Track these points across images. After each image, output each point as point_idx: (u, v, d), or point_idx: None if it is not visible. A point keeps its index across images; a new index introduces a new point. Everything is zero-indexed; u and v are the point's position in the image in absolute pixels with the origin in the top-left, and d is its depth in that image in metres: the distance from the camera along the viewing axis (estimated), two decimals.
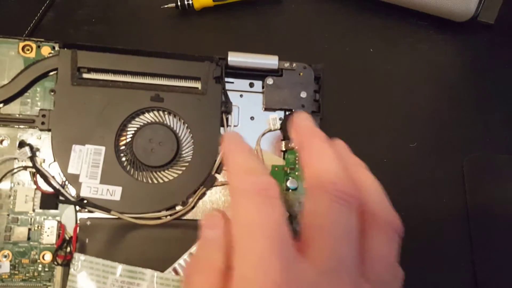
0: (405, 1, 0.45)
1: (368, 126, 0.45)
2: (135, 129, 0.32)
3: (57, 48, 0.32)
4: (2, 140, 0.31)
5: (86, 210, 0.31)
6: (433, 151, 0.44)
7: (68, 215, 0.31)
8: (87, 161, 0.30)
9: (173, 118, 0.32)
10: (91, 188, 0.30)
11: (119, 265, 0.30)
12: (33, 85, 0.32)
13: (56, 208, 0.31)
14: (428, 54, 0.47)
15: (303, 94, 0.34)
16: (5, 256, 0.30)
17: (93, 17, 0.44)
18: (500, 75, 0.47)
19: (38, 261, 0.30)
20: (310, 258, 0.20)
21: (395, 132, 0.45)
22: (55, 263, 0.30)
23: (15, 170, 0.31)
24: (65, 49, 0.32)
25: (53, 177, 0.31)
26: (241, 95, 0.34)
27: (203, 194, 0.32)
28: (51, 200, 0.31)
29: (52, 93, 0.31)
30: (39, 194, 0.31)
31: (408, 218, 0.42)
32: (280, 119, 0.34)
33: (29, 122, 0.31)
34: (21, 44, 0.32)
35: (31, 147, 0.31)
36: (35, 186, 0.31)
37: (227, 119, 0.33)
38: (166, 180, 0.31)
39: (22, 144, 0.31)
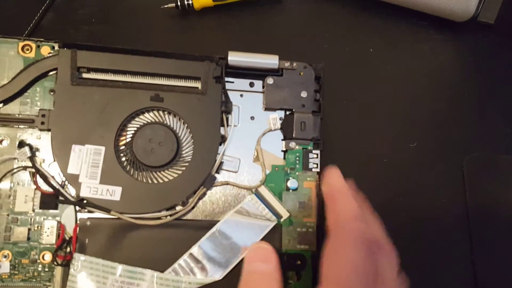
0: (405, 1, 0.45)
1: (368, 126, 0.44)
2: (135, 129, 0.31)
3: (56, 47, 0.32)
4: (2, 140, 0.30)
5: (86, 210, 0.30)
6: (433, 151, 0.44)
7: (68, 215, 0.30)
8: (86, 161, 0.30)
9: (173, 118, 0.32)
10: (91, 188, 0.30)
11: (119, 265, 0.29)
12: (32, 85, 0.31)
13: (56, 208, 0.30)
14: (428, 54, 0.46)
15: (304, 94, 0.34)
16: (5, 256, 0.29)
17: (93, 17, 0.44)
18: (500, 75, 0.47)
19: (38, 261, 0.30)
20: None
21: (395, 132, 0.44)
22: (55, 263, 0.29)
23: (15, 170, 0.30)
24: (65, 49, 0.31)
25: (52, 177, 0.30)
26: (241, 95, 0.34)
27: (203, 194, 0.31)
28: (51, 200, 0.30)
29: (52, 93, 0.31)
30: (39, 194, 0.30)
31: (408, 218, 0.43)
32: (280, 118, 0.34)
33: (28, 122, 0.30)
34: (21, 44, 0.31)
35: (31, 147, 0.30)
36: (34, 186, 0.30)
37: (227, 118, 0.33)
38: (166, 180, 0.31)
39: (21, 144, 0.30)
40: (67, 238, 0.30)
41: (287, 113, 0.34)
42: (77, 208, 0.30)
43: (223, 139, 0.32)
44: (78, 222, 0.30)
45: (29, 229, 0.30)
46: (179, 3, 0.43)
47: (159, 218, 0.30)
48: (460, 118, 0.45)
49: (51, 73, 0.31)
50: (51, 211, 0.30)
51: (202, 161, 0.31)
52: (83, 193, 0.30)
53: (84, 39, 0.43)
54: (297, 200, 0.32)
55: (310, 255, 0.32)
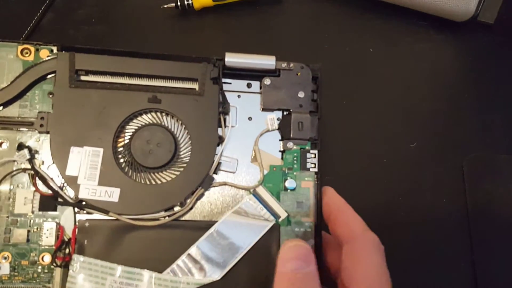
0: (405, 1, 0.44)
1: (368, 126, 0.44)
2: (133, 130, 0.31)
3: (55, 50, 0.31)
4: (1, 143, 0.30)
5: (85, 211, 0.30)
6: (433, 151, 0.43)
7: (67, 217, 0.30)
8: (85, 163, 0.29)
9: (171, 120, 0.31)
10: (89, 189, 0.29)
11: (118, 266, 0.29)
12: (31, 88, 0.31)
13: (55, 210, 0.30)
14: (428, 54, 0.46)
15: (301, 94, 0.33)
16: (5, 258, 0.29)
17: (93, 17, 0.43)
18: (500, 75, 0.46)
19: (38, 262, 0.29)
20: None
21: (395, 132, 0.44)
22: (54, 264, 0.29)
23: (14, 173, 0.30)
24: (63, 51, 0.31)
25: (51, 179, 0.30)
26: (238, 96, 0.33)
27: (201, 195, 0.31)
28: (50, 202, 0.30)
29: (51, 96, 0.31)
30: (38, 196, 0.30)
31: (408, 218, 0.42)
32: (278, 119, 0.33)
33: (28, 124, 0.30)
34: (20, 48, 0.31)
35: (30, 150, 0.30)
36: (34, 188, 0.30)
37: (225, 119, 0.32)
38: (164, 181, 0.30)
39: (21, 146, 0.30)
40: (66, 239, 0.29)
41: (285, 113, 0.33)
42: (76, 209, 0.30)
43: (220, 140, 0.31)
44: (77, 223, 0.29)
45: (28, 231, 0.29)
46: (179, 3, 0.43)
47: (157, 219, 0.30)
48: (460, 118, 0.45)
49: (49, 76, 0.31)
50: (50, 212, 0.30)
51: (200, 162, 0.31)
52: (82, 195, 0.29)
53: (84, 39, 0.43)
54: (295, 200, 0.32)
55: None
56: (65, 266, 0.29)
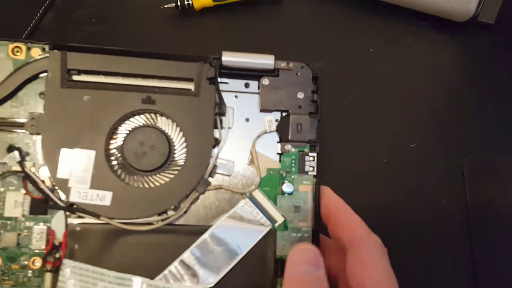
0: (405, 1, 0.44)
1: (368, 126, 0.43)
2: (126, 132, 0.29)
3: (47, 49, 0.29)
4: None
5: (76, 215, 0.28)
6: (433, 151, 0.43)
7: (58, 221, 0.28)
8: (76, 165, 0.28)
9: (165, 121, 0.30)
10: (80, 193, 0.28)
11: (109, 272, 0.27)
12: (23, 87, 0.29)
13: (46, 213, 0.28)
14: (428, 54, 0.45)
15: (300, 95, 0.31)
16: None
17: (93, 17, 0.43)
18: (499, 75, 0.45)
19: (28, 267, 0.28)
20: None
21: (395, 132, 0.43)
22: (44, 269, 0.27)
23: (4, 175, 0.28)
24: (55, 50, 0.29)
25: (42, 181, 0.28)
26: (236, 96, 0.31)
27: (196, 198, 0.29)
28: (40, 205, 0.28)
29: (42, 96, 0.29)
30: (28, 199, 0.28)
31: (408, 218, 0.41)
32: (276, 120, 0.31)
33: (18, 125, 0.28)
34: (11, 46, 0.29)
35: (21, 152, 0.28)
36: (24, 191, 0.28)
37: (221, 121, 0.30)
38: (157, 184, 0.29)
39: (11, 148, 0.28)
40: (57, 243, 0.28)
41: (283, 114, 0.31)
42: (68, 213, 0.28)
43: (216, 142, 0.30)
44: (68, 227, 0.28)
45: (18, 234, 0.28)
46: (179, 3, 0.42)
47: (150, 224, 0.28)
48: (460, 118, 0.44)
49: (41, 75, 0.29)
50: (41, 216, 0.28)
51: (195, 164, 0.29)
52: (73, 198, 0.28)
53: (84, 39, 0.42)
54: (292, 204, 0.30)
55: None
56: (56, 271, 0.27)
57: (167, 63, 0.30)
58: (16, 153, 0.28)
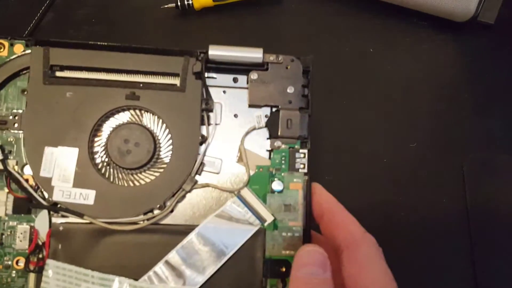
0: (405, 1, 0.43)
1: (368, 126, 0.42)
2: (110, 129, 0.28)
3: (30, 45, 0.28)
4: None
5: (60, 214, 0.27)
6: (433, 151, 0.42)
7: (41, 220, 0.27)
8: (59, 163, 0.27)
9: (150, 117, 0.28)
10: (63, 192, 0.27)
11: (92, 273, 0.26)
12: (5, 85, 0.28)
13: (29, 212, 0.27)
14: (428, 54, 0.44)
15: (290, 90, 0.29)
16: None
17: (93, 17, 0.43)
18: (500, 75, 0.44)
19: (12, 267, 0.27)
20: None
21: (395, 132, 0.42)
22: (27, 269, 0.26)
23: None
24: (37, 46, 0.28)
25: (26, 180, 0.27)
26: (224, 91, 0.30)
27: (183, 197, 0.28)
28: (24, 204, 0.27)
29: (25, 93, 0.28)
30: (12, 198, 0.27)
31: (408, 218, 0.40)
32: (266, 116, 0.30)
33: (1, 123, 0.27)
34: None
35: (3, 150, 0.27)
36: (7, 190, 0.27)
37: (208, 117, 0.29)
38: (142, 182, 0.27)
39: None
40: (40, 243, 0.27)
41: (273, 110, 0.30)
42: (52, 212, 0.27)
43: (204, 139, 0.28)
44: (51, 227, 0.27)
45: (2, 234, 0.27)
46: (179, 3, 0.42)
47: (135, 223, 0.27)
48: (460, 118, 0.44)
49: (24, 72, 0.28)
50: (25, 215, 0.27)
51: (182, 162, 0.28)
52: (56, 197, 0.27)
53: (84, 39, 0.41)
54: (282, 203, 0.28)
55: None
56: (39, 271, 0.26)
57: (152, 58, 0.28)
58: None
